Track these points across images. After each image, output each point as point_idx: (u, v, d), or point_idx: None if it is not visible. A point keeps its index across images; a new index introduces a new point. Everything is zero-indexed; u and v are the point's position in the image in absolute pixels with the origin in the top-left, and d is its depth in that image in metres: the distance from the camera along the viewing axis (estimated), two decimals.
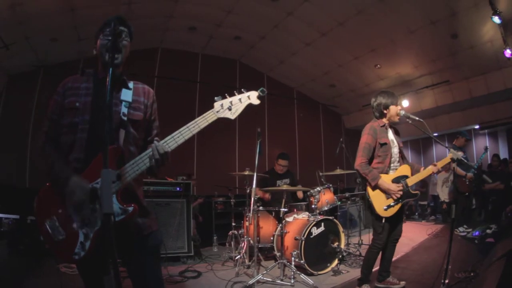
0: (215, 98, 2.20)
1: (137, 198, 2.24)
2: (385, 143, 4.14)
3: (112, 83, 1.87)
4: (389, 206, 4.01)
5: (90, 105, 2.17)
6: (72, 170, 2.06)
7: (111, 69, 1.83)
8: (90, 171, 2.03)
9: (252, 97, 2.30)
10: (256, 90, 2.33)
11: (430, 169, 4.14)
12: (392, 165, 4.19)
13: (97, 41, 2.29)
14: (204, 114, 2.16)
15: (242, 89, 2.26)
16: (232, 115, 2.23)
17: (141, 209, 2.18)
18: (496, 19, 6.87)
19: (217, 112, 2.19)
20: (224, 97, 2.22)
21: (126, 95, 2.26)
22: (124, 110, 2.20)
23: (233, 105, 2.22)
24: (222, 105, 2.19)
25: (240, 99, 2.26)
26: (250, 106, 2.38)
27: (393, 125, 4.42)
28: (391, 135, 4.28)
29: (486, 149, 8.84)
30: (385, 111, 4.27)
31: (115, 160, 2.03)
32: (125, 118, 2.19)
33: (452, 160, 3.99)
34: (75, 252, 1.98)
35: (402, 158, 4.32)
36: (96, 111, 2.15)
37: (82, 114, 2.14)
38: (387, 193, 4.02)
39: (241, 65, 11.77)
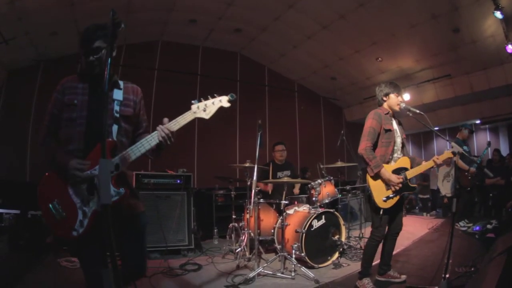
0: (192, 101, 2.58)
1: (127, 182, 2.60)
2: (390, 130, 4.12)
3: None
4: (388, 198, 4.00)
5: (87, 103, 2.53)
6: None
7: (109, 59, 1.99)
8: (89, 159, 2.37)
9: (223, 101, 2.64)
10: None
11: (431, 162, 4.12)
12: (394, 154, 4.18)
13: (81, 56, 2.57)
14: (184, 114, 2.57)
15: (215, 94, 2.64)
16: (206, 115, 2.60)
17: (132, 192, 2.59)
18: (498, 14, 6.85)
19: (194, 112, 2.57)
20: (200, 101, 2.60)
21: (118, 94, 2.64)
22: (116, 107, 2.58)
23: (207, 107, 2.60)
24: (198, 107, 2.58)
25: (213, 102, 2.62)
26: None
27: (397, 117, 4.41)
28: (395, 124, 4.26)
29: (489, 144, 8.83)
30: (384, 98, 4.29)
31: (109, 151, 2.37)
32: (117, 115, 2.57)
33: (453, 153, 3.98)
34: (75, 228, 2.31)
35: (403, 150, 4.30)
36: (92, 108, 2.52)
37: (80, 110, 2.50)
38: (387, 183, 4.01)
39: (241, 57, 11.73)
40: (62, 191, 2.39)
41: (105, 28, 2.48)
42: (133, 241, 2.60)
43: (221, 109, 2.64)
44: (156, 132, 2.48)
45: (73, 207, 2.35)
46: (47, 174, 2.49)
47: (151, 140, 2.46)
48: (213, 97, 2.64)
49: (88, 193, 2.34)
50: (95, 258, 2.10)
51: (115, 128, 2.52)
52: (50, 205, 2.38)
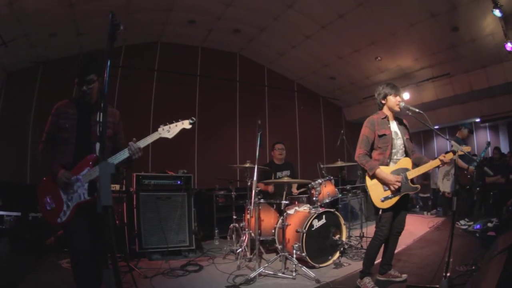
0: (160, 125, 3.17)
1: None
2: (384, 135, 4.16)
3: (91, 111, 3.16)
4: (386, 198, 4.02)
5: (76, 127, 3.13)
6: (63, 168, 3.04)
7: (109, 61, 2.10)
8: (76, 169, 3.05)
9: (185, 123, 3.22)
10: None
11: (434, 163, 4.12)
12: (394, 157, 4.19)
13: (75, 85, 3.16)
14: (151, 134, 3.13)
15: (179, 119, 3.21)
16: (170, 135, 3.18)
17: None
18: (497, 13, 6.84)
19: (159, 133, 3.16)
20: (165, 124, 3.17)
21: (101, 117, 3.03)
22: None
23: (171, 129, 3.18)
24: (163, 129, 3.16)
25: (176, 125, 3.19)
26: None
27: (398, 117, 4.42)
28: (394, 126, 4.28)
29: (488, 144, 8.83)
30: (383, 101, 4.32)
31: (93, 164, 3.03)
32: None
33: (453, 152, 3.98)
34: (60, 217, 3.00)
35: (406, 151, 4.28)
36: (80, 131, 3.13)
37: (71, 132, 3.11)
38: (385, 184, 4.03)
39: (241, 58, 11.73)
40: (54, 190, 3.06)
41: (97, 62, 3.13)
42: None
43: (183, 130, 3.22)
44: (127, 148, 3.03)
45: (60, 201, 3.03)
46: (44, 178, 3.15)
47: (123, 154, 3.02)
48: (177, 121, 3.20)
49: (89, 194, 2.99)
50: (81, 241, 2.96)
51: (98, 146, 2.98)
52: (44, 199, 3.07)
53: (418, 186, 4.22)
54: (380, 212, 4.07)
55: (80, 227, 2.99)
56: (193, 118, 3.23)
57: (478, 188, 8.98)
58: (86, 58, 3.15)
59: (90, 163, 3.03)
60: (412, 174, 4.10)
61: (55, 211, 3.02)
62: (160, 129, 3.16)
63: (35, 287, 4.43)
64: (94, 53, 3.03)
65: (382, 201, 4.02)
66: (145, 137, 3.11)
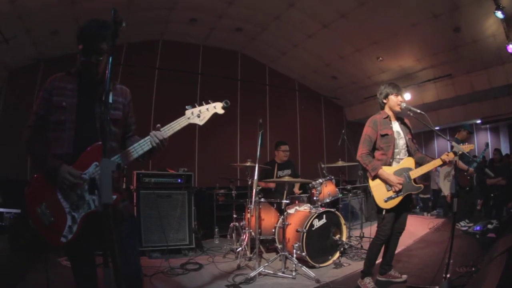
0: (186, 107, 2.57)
1: (118, 186, 2.58)
2: (386, 134, 4.15)
3: (96, 88, 2.49)
4: (389, 198, 4.02)
5: (76, 106, 2.45)
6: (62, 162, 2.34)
7: (111, 58, 1.94)
8: (79, 163, 2.35)
9: (217, 107, 2.64)
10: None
11: (437, 162, 4.11)
12: (397, 157, 4.19)
13: (80, 54, 2.45)
14: (178, 119, 2.54)
15: (209, 100, 2.64)
16: (200, 121, 2.59)
17: (122, 195, 2.51)
18: (499, 14, 6.84)
19: (188, 118, 2.55)
20: (193, 106, 2.59)
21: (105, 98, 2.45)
22: None
23: (202, 113, 2.59)
24: (192, 112, 2.57)
25: (207, 109, 2.61)
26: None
27: (400, 117, 4.42)
28: (396, 126, 4.27)
29: (487, 145, 8.85)
30: (384, 101, 4.33)
31: (99, 155, 2.20)
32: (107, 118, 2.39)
33: (454, 153, 3.97)
34: (63, 235, 2.28)
35: (409, 151, 4.28)
36: (82, 112, 2.46)
37: (69, 113, 2.43)
38: (387, 184, 4.02)
39: (242, 56, 11.72)
40: (50, 194, 2.34)
41: (108, 27, 2.24)
42: (127, 248, 2.48)
43: (215, 115, 2.66)
44: (148, 137, 2.45)
45: (61, 212, 2.31)
46: (35, 176, 2.42)
47: (144, 145, 2.44)
48: (207, 103, 2.63)
49: (89, 193, 2.28)
50: (84, 261, 2.47)
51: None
52: (38, 209, 2.32)
53: (421, 186, 4.21)
54: (383, 212, 4.06)
55: (85, 247, 2.45)
56: (227, 101, 2.67)
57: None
58: (97, 21, 2.43)
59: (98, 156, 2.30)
60: (415, 173, 4.10)
61: (56, 227, 2.31)
62: (188, 113, 2.56)
63: (35, 285, 4.42)
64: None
65: (386, 201, 4.02)
66: (170, 123, 2.53)
